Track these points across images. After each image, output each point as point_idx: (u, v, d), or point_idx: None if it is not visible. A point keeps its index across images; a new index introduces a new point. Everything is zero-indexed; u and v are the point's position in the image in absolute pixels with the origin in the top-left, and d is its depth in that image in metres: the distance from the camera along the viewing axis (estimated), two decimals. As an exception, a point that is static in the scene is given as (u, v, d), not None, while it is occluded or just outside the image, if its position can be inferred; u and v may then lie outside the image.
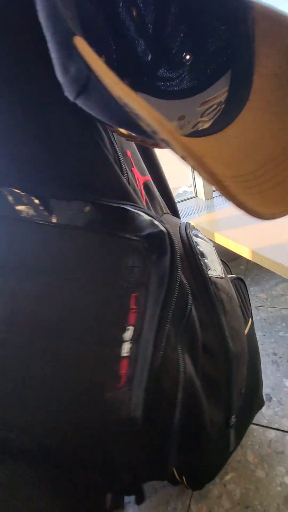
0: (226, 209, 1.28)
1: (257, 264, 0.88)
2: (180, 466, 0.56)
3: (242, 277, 1.33)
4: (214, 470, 0.61)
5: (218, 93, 0.30)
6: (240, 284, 0.60)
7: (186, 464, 0.56)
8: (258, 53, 0.27)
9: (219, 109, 0.29)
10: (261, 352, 0.94)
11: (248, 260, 0.91)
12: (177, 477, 0.59)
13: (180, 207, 1.69)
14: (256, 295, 1.17)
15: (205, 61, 0.30)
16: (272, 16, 0.26)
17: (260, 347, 0.95)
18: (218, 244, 1.09)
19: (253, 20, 0.26)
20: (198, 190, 1.65)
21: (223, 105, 0.29)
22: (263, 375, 0.86)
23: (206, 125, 0.29)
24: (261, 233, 1.00)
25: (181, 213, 1.53)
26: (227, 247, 1.03)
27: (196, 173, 1.75)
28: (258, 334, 1.00)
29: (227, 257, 1.43)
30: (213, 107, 0.30)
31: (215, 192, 1.71)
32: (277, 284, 1.21)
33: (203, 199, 1.63)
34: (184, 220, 1.67)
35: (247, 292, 0.62)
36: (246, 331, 0.60)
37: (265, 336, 0.97)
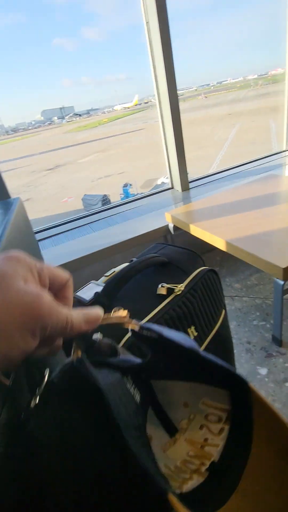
0: (202, 200, 1.28)
1: (233, 255, 0.89)
2: None
3: (218, 268, 1.34)
4: None
5: (217, 403, 0.31)
6: (213, 276, 0.60)
7: None
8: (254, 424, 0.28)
9: (222, 429, 0.30)
10: (236, 342, 0.95)
11: (224, 251, 0.92)
12: None
13: (157, 199, 1.67)
14: (232, 285, 1.19)
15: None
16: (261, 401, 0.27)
17: (235, 336, 0.97)
18: (194, 235, 1.09)
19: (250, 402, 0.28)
20: (175, 181, 1.65)
21: (224, 427, 0.30)
22: (237, 364, 0.88)
23: (216, 441, 0.30)
24: (235, 224, 1.01)
25: (158, 205, 1.52)
26: (202, 238, 1.03)
27: (172, 164, 1.72)
28: (233, 324, 1.02)
29: (203, 248, 1.45)
30: (215, 417, 0.31)
31: (192, 183, 1.71)
32: (251, 274, 1.23)
33: (180, 190, 1.62)
34: (161, 210, 1.64)
35: (220, 284, 0.62)
36: (219, 322, 0.60)
37: (240, 326, 0.99)
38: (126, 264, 0.57)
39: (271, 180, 1.36)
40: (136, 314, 0.50)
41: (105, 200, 8.14)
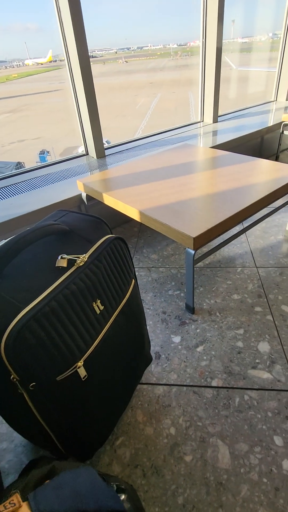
0: (117, 168, 1.20)
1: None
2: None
3: (136, 239, 1.31)
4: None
5: None
6: (120, 245, 0.54)
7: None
8: None
9: None
10: (152, 312, 0.95)
11: (141, 222, 0.88)
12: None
13: (70, 165, 1.53)
14: (149, 256, 1.18)
15: None
16: None
17: (151, 307, 0.97)
18: (108, 205, 1.02)
19: None
20: (89, 147, 1.52)
21: None
22: (153, 334, 0.88)
23: None
24: (150, 193, 0.97)
25: (72, 172, 1.39)
26: (116, 208, 0.97)
27: (85, 129, 1.58)
28: (150, 295, 1.01)
29: (120, 219, 1.39)
30: None
31: (108, 150, 1.61)
32: (168, 244, 1.24)
33: (95, 157, 1.51)
34: (77, 177, 1.51)
35: (129, 252, 0.58)
36: (128, 293, 0.56)
37: (156, 297, 0.99)
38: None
39: (186, 149, 1.36)
40: (31, 292, 0.42)
41: (19, 168, 7.34)
